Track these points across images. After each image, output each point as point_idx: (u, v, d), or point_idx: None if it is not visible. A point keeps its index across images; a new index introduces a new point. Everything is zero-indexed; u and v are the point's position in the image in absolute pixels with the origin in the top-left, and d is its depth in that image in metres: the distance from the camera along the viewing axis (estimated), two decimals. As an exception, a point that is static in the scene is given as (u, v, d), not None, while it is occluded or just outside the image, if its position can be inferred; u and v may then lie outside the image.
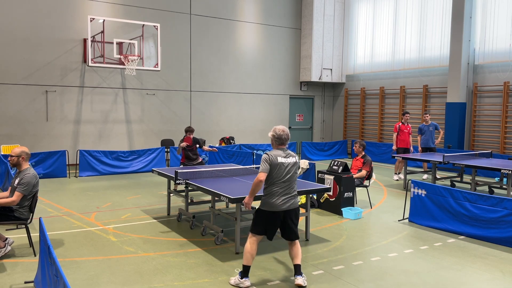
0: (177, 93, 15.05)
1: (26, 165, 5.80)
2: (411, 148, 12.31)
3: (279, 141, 4.96)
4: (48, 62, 12.83)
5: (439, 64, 14.58)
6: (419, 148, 12.08)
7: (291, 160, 4.95)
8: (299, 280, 4.80)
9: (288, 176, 4.87)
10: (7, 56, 12.28)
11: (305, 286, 4.82)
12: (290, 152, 5.02)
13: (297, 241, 4.97)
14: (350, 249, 6.17)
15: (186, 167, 8.86)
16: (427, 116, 12.07)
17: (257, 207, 5.06)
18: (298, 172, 5.01)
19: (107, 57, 12.42)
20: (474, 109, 13.63)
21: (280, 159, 4.85)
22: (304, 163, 9.75)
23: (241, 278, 4.82)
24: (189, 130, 9.76)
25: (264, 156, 4.88)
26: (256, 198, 5.11)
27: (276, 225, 4.90)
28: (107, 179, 11.62)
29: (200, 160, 9.92)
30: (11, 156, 5.74)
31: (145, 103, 14.49)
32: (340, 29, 17.79)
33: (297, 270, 4.86)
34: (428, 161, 10.64)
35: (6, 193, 5.81)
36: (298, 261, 4.88)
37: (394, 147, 12.14)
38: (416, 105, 15.36)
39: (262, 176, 4.77)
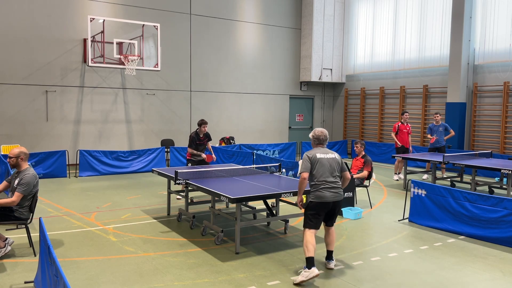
0: (177, 93, 15.05)
1: (25, 165, 5.80)
2: (410, 148, 12.31)
3: (317, 141, 5.43)
4: (48, 62, 12.83)
5: (439, 64, 14.58)
6: (433, 139, 11.85)
7: (330, 155, 5.35)
8: (332, 264, 5.45)
9: (331, 169, 5.25)
10: (7, 56, 12.28)
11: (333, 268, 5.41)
12: (329, 150, 5.44)
13: (333, 228, 5.50)
14: (350, 249, 6.17)
15: (185, 166, 8.85)
16: (437, 116, 11.96)
17: (307, 204, 5.32)
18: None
19: (107, 57, 12.42)
20: (474, 109, 13.63)
21: (319, 155, 5.27)
22: None
23: (309, 269, 4.97)
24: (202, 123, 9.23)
25: (304, 156, 5.31)
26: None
27: (323, 214, 5.27)
28: (107, 179, 11.62)
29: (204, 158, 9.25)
30: (10, 157, 5.75)
31: (145, 103, 14.48)
32: (340, 29, 17.79)
33: (330, 255, 5.47)
34: (427, 161, 10.64)
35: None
36: (332, 247, 5.48)
37: (396, 144, 12.09)
38: (416, 105, 15.36)
39: (305, 174, 5.19)
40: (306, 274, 4.93)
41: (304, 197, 5.89)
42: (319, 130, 5.46)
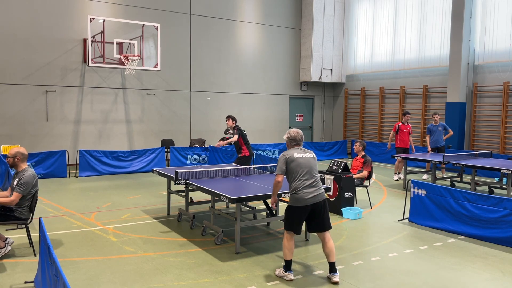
0: (177, 93, 15.04)
1: (23, 166, 5.80)
2: (413, 147, 12.31)
3: (294, 142, 5.23)
4: (48, 62, 12.83)
5: (439, 64, 14.58)
6: (429, 148, 12.02)
7: (308, 155, 5.16)
8: (336, 277, 4.98)
9: (309, 169, 5.04)
10: (7, 56, 12.28)
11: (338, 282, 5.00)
12: (306, 149, 5.24)
13: (329, 235, 5.10)
14: (350, 249, 6.17)
15: (185, 166, 8.85)
16: (436, 117, 11.98)
17: (287, 206, 5.17)
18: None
19: (107, 57, 12.41)
20: (474, 109, 13.63)
21: (296, 155, 5.07)
22: None
23: (285, 271, 5.07)
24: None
25: (280, 156, 5.12)
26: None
27: (303, 219, 5.06)
28: (107, 179, 11.62)
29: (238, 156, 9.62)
30: (7, 157, 5.77)
31: (145, 103, 14.48)
32: (340, 29, 17.79)
33: (332, 267, 5.03)
34: (427, 161, 10.64)
35: (6, 193, 5.82)
36: (333, 258, 5.03)
37: (389, 146, 12.17)
38: (416, 105, 15.36)
39: (279, 177, 5.05)
40: (281, 274, 5.10)
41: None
42: (294, 131, 5.25)
